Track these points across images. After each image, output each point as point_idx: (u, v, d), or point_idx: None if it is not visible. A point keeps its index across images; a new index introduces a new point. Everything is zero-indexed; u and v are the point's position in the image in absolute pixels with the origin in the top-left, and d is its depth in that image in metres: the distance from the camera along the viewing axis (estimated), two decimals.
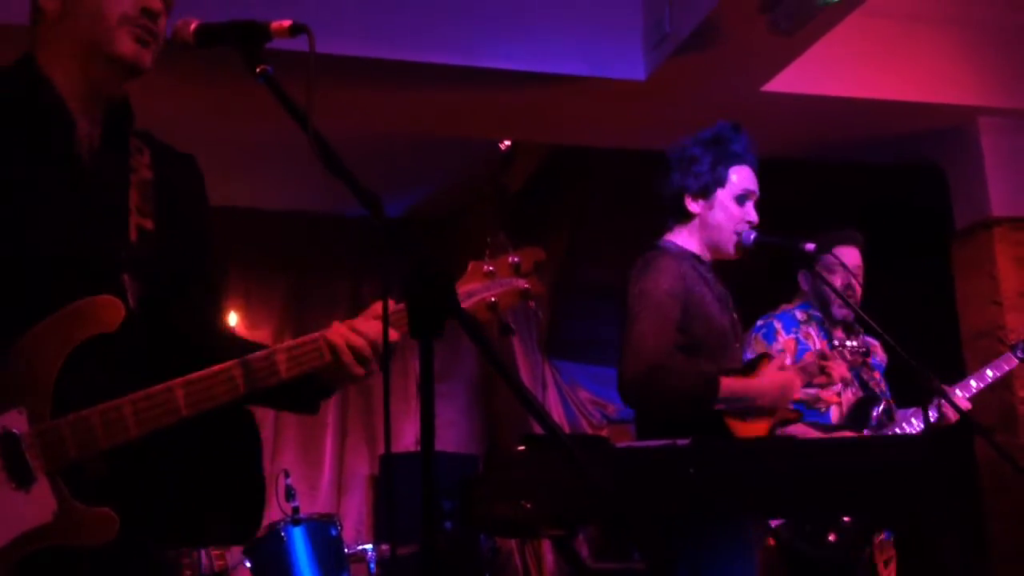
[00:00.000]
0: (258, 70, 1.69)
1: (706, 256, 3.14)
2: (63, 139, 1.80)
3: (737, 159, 3.11)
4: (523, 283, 1.96)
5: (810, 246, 3.08)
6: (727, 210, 3.08)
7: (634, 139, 5.40)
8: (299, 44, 1.73)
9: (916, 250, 5.62)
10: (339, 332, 1.79)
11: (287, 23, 1.72)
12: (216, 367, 1.75)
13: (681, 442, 2.45)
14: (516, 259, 1.96)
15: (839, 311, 3.99)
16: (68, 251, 1.75)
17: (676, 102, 5.02)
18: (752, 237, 3.09)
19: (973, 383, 4.02)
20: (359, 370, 1.78)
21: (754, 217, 3.11)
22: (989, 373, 4.09)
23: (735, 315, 3.16)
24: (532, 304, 2.03)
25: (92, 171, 1.82)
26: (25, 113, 1.80)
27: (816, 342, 4.00)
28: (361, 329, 1.80)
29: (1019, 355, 4.17)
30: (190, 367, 1.75)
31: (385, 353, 1.56)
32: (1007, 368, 4.15)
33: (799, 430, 3.76)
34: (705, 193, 3.10)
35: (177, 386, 1.71)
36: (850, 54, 5.00)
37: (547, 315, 7.06)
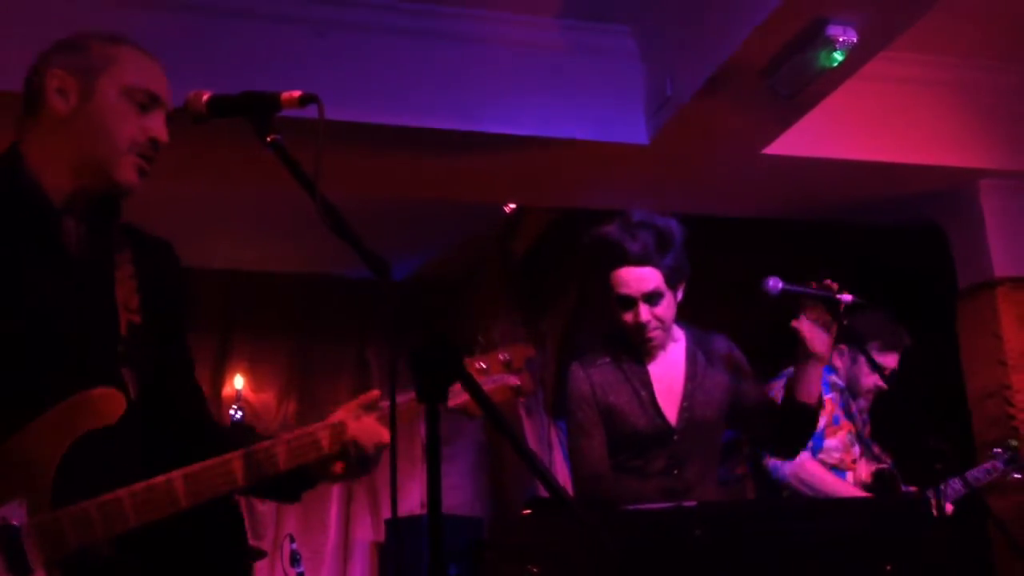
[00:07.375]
0: (269, 139, 1.72)
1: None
2: (50, 237, 1.81)
3: (610, 266, 3.01)
4: (514, 379, 2.00)
5: (847, 297, 2.95)
6: (615, 315, 3.05)
7: (638, 202, 5.41)
8: (305, 112, 1.78)
9: (919, 310, 5.63)
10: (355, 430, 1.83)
11: (297, 94, 1.76)
12: (215, 459, 1.77)
13: (687, 504, 2.44)
14: (507, 356, 2.00)
15: (863, 402, 4.02)
16: (69, 348, 1.75)
17: (678, 165, 5.07)
18: (780, 287, 3.00)
19: (960, 485, 4.06)
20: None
21: (643, 317, 2.97)
22: (977, 476, 4.31)
23: (684, 404, 3.03)
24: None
25: (81, 268, 1.83)
26: (11, 211, 1.80)
27: (837, 409, 4.01)
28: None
29: (1000, 465, 4.39)
30: (189, 456, 1.77)
31: (392, 417, 1.57)
32: (993, 475, 4.36)
33: (817, 470, 3.76)
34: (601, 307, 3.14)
35: (177, 478, 1.72)
36: (850, 117, 5.05)
37: (553, 377, 7.04)
